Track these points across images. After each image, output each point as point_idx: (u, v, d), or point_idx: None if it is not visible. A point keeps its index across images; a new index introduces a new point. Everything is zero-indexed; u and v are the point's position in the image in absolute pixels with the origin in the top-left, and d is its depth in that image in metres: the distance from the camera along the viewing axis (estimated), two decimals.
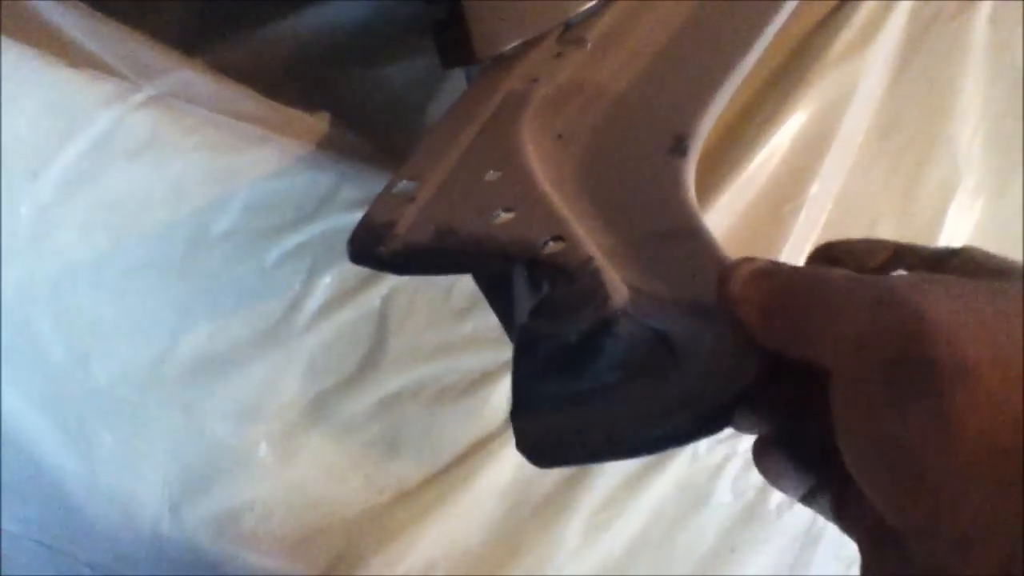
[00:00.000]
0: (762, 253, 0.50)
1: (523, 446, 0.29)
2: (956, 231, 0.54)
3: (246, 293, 0.53)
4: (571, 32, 0.50)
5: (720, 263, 0.32)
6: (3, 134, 0.55)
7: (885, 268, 0.29)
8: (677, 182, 0.38)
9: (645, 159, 0.41)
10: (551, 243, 0.33)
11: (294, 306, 0.53)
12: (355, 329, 0.52)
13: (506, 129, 0.43)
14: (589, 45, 0.48)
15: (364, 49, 0.59)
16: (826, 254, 0.30)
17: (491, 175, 0.39)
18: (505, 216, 0.35)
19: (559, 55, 0.48)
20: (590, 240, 0.34)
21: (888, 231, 0.53)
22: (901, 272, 0.29)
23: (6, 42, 0.56)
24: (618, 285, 0.30)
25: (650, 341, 0.29)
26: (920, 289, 0.22)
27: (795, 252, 0.52)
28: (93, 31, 0.56)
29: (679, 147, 0.41)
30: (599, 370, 0.29)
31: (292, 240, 0.53)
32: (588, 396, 0.29)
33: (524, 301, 0.34)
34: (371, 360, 0.53)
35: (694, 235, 0.35)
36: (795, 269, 0.26)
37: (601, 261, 0.31)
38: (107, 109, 0.53)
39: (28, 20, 0.57)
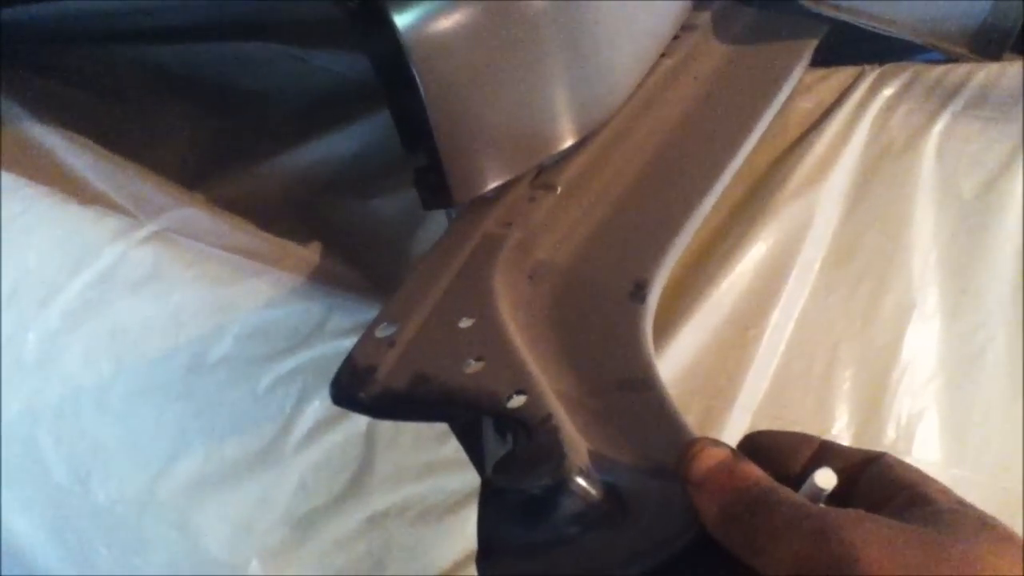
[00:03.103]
0: (728, 375, 0.54)
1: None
2: (914, 353, 0.56)
3: (240, 416, 0.56)
4: (543, 176, 0.53)
5: (670, 419, 0.35)
6: (14, 266, 0.59)
7: (809, 465, 0.31)
8: (635, 330, 0.42)
9: (607, 304, 0.44)
10: (515, 396, 0.36)
11: (285, 429, 0.56)
12: (343, 451, 0.55)
13: (481, 273, 0.46)
14: (559, 190, 0.52)
15: (355, 182, 0.63)
16: (755, 444, 0.33)
17: (465, 322, 0.42)
18: (475, 366, 0.38)
19: (532, 199, 0.52)
20: (552, 390, 0.37)
21: (849, 353, 0.56)
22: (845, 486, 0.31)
23: (19, 180, 0.60)
24: (575, 442, 0.33)
25: (603, 496, 0.32)
26: (858, 528, 0.25)
27: (759, 375, 0.55)
28: (100, 169, 0.60)
29: (639, 293, 0.45)
30: (558, 522, 0.32)
31: (284, 366, 0.56)
32: (549, 545, 0.32)
33: (492, 447, 0.37)
34: (358, 480, 0.55)
35: (648, 387, 0.38)
36: (754, 478, 0.29)
37: (560, 417, 0.34)
38: (112, 244, 0.57)
39: (40, 159, 0.62)
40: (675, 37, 0.65)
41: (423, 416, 0.39)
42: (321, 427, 0.56)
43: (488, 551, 0.32)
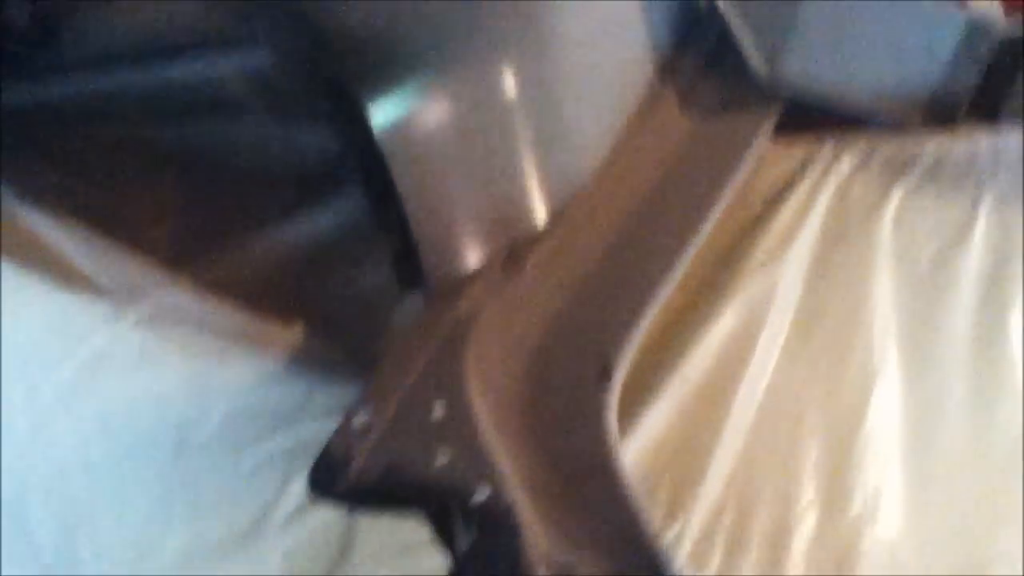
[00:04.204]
0: (697, 450, 0.56)
1: None
2: (878, 420, 0.58)
3: (225, 496, 0.58)
4: (514, 256, 0.55)
5: (628, 507, 0.37)
6: (6, 349, 0.61)
7: None
8: (600, 415, 0.44)
9: (574, 386, 0.46)
10: (480, 489, 0.38)
11: (269, 509, 0.57)
12: (325, 531, 0.56)
13: (454, 356, 0.48)
14: (529, 269, 0.54)
15: (338, 258, 0.65)
16: None
17: (437, 409, 0.44)
18: (444, 457, 0.41)
19: (504, 279, 0.54)
20: (518, 475, 0.39)
21: (814, 424, 0.57)
22: None
23: (11, 266, 0.62)
24: (534, 536, 0.35)
25: None
26: None
27: (728, 448, 0.56)
28: (91, 254, 0.62)
29: (604, 376, 0.47)
30: None
31: (268, 448, 0.57)
32: None
33: (461, 535, 0.39)
34: (340, 560, 0.57)
35: (609, 473, 0.40)
36: None
37: (521, 509, 0.36)
38: (101, 329, 0.59)
39: (32, 244, 0.64)
40: (639, 113, 0.68)
41: (396, 507, 0.41)
42: (304, 508, 0.57)
43: None
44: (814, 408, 0.58)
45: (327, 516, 0.56)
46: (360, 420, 0.44)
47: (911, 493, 0.57)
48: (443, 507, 0.39)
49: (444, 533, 0.41)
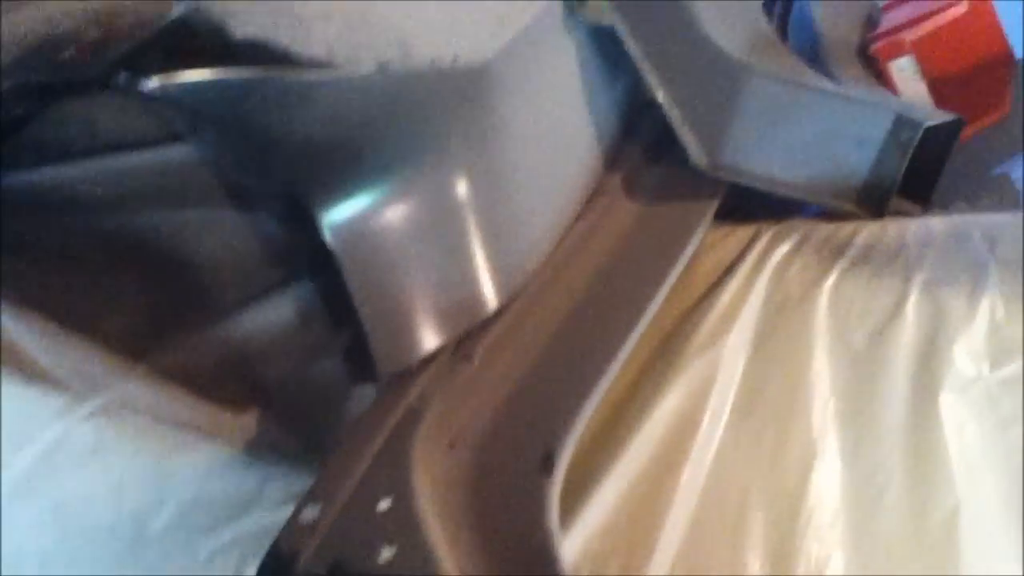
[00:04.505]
0: (645, 529, 0.57)
1: None
2: (819, 497, 0.60)
3: None
4: (463, 347, 0.58)
5: None
6: None
7: None
8: (541, 506, 0.45)
9: (517, 476, 0.48)
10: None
11: None
12: None
13: (401, 449, 0.50)
14: (477, 360, 0.56)
15: (292, 347, 0.66)
16: None
17: (383, 503, 0.46)
18: (388, 553, 0.42)
19: (452, 370, 0.56)
20: (461, 569, 0.41)
21: (758, 500, 0.59)
22: None
23: None
24: None
25: None
26: None
27: (674, 527, 0.57)
28: (46, 346, 0.63)
29: (547, 464, 0.48)
30: None
31: (223, 536, 0.58)
32: None
33: None
34: None
35: (548, 564, 0.41)
36: None
37: None
38: (56, 422, 0.60)
39: None
40: (588, 201, 0.70)
41: None
42: None
43: None
44: (758, 485, 0.60)
45: None
46: (308, 515, 0.46)
47: (852, 568, 0.58)
48: None
49: None
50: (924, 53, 0.84)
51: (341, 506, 0.46)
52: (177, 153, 0.69)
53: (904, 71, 0.84)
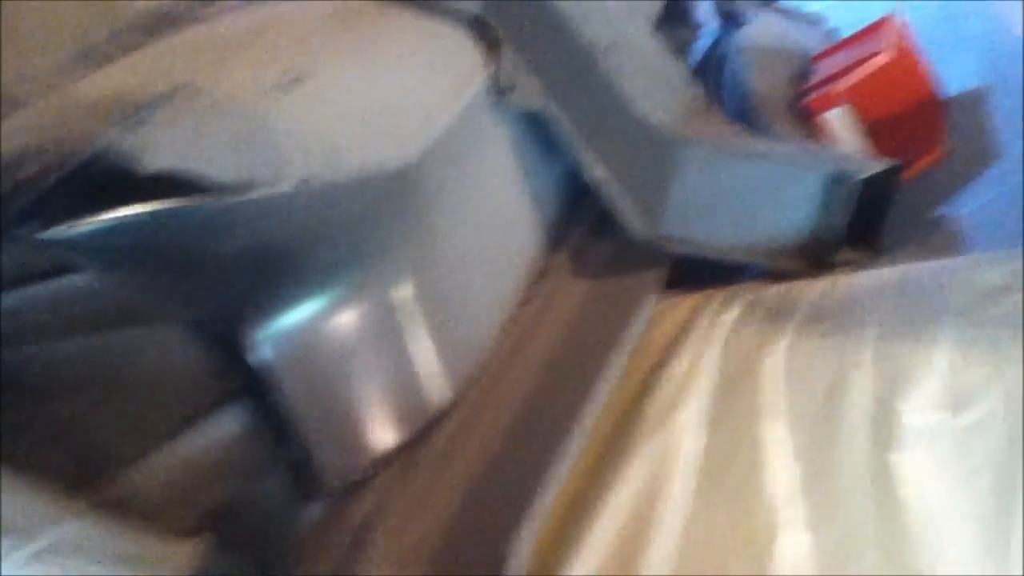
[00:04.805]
0: None
1: None
2: (789, 567, 0.58)
3: None
4: (412, 452, 0.56)
5: None
6: None
7: None
8: None
9: None
10: None
11: None
12: None
13: (354, 566, 0.48)
14: (427, 465, 0.55)
15: (238, 466, 0.64)
16: None
17: None
18: None
19: (402, 478, 0.54)
20: None
21: (728, 571, 0.57)
22: None
23: None
24: None
25: None
26: None
27: None
28: None
29: (499, 570, 0.47)
30: None
31: None
32: None
33: None
34: None
35: None
36: None
37: None
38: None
39: None
40: (535, 283, 0.69)
41: None
42: None
43: None
44: (725, 559, 0.58)
45: None
46: None
47: None
48: None
49: None
50: (857, 102, 0.84)
51: None
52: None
53: (840, 121, 0.84)
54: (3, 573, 0.58)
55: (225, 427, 0.65)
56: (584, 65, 0.67)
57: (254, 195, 0.45)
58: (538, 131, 0.69)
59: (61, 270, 0.55)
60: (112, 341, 0.69)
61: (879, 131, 0.86)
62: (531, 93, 0.64)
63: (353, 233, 0.51)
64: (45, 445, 0.64)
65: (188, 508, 0.61)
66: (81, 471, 0.63)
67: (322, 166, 0.49)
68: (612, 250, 0.73)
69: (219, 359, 0.65)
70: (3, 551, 0.58)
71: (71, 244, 0.44)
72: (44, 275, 0.55)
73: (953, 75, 0.88)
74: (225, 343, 0.48)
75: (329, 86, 0.51)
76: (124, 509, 0.60)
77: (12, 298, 0.59)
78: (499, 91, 0.64)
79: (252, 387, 0.50)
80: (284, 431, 0.51)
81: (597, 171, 0.68)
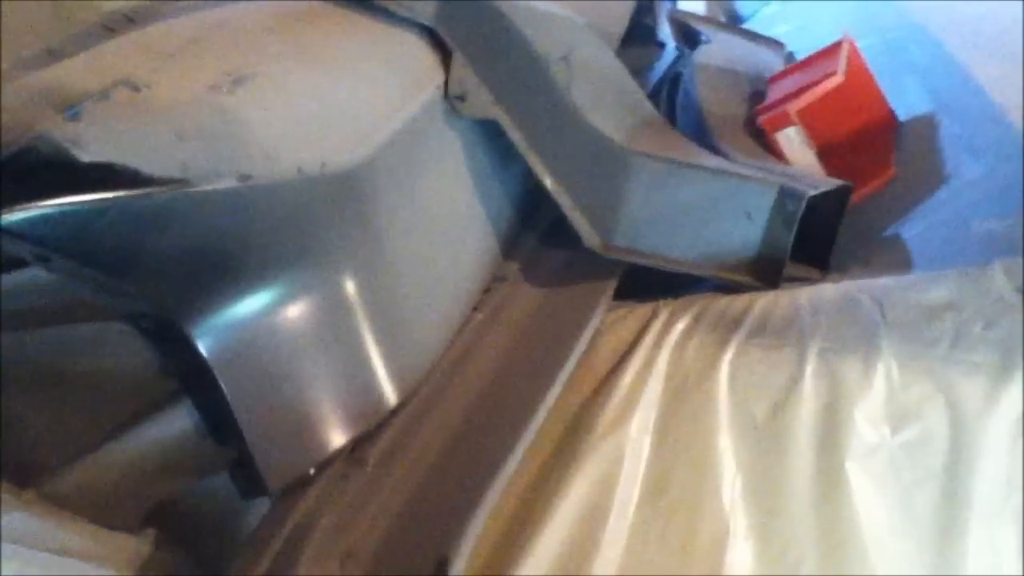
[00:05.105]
0: None
1: None
2: (734, 570, 0.59)
3: None
4: (357, 451, 0.56)
5: None
6: None
7: None
8: None
9: None
10: None
11: None
12: None
13: (290, 567, 0.48)
14: (371, 465, 0.55)
15: (186, 463, 0.64)
16: None
17: None
18: None
19: (344, 477, 0.54)
20: None
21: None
22: None
23: None
24: None
25: None
26: None
27: None
28: None
29: (440, 571, 0.47)
30: None
31: None
32: None
33: None
34: None
35: None
36: None
37: None
38: None
39: None
40: (487, 290, 0.70)
41: None
42: None
43: None
44: (671, 571, 0.59)
45: None
46: None
47: None
48: None
49: None
50: (809, 122, 0.86)
51: None
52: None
53: (792, 141, 0.86)
54: None
55: (171, 425, 0.65)
56: (536, 76, 0.68)
57: (191, 190, 0.45)
58: (492, 139, 0.70)
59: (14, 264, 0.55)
60: (60, 338, 0.69)
61: (830, 152, 0.87)
62: (482, 102, 0.65)
63: (294, 232, 0.51)
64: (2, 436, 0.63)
65: (133, 504, 0.61)
66: (26, 466, 0.63)
67: (262, 165, 0.49)
68: (564, 259, 0.74)
69: (165, 357, 0.66)
70: None
71: (9, 231, 0.44)
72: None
73: (899, 103, 0.90)
74: (169, 340, 0.48)
75: (272, 88, 0.51)
76: (69, 504, 0.60)
77: None
78: (450, 99, 0.65)
79: (196, 384, 0.50)
80: (226, 429, 0.51)
81: (548, 180, 0.69)
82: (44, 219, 0.43)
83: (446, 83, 0.64)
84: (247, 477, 0.53)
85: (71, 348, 0.70)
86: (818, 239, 0.77)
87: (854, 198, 0.81)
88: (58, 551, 0.58)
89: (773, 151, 0.87)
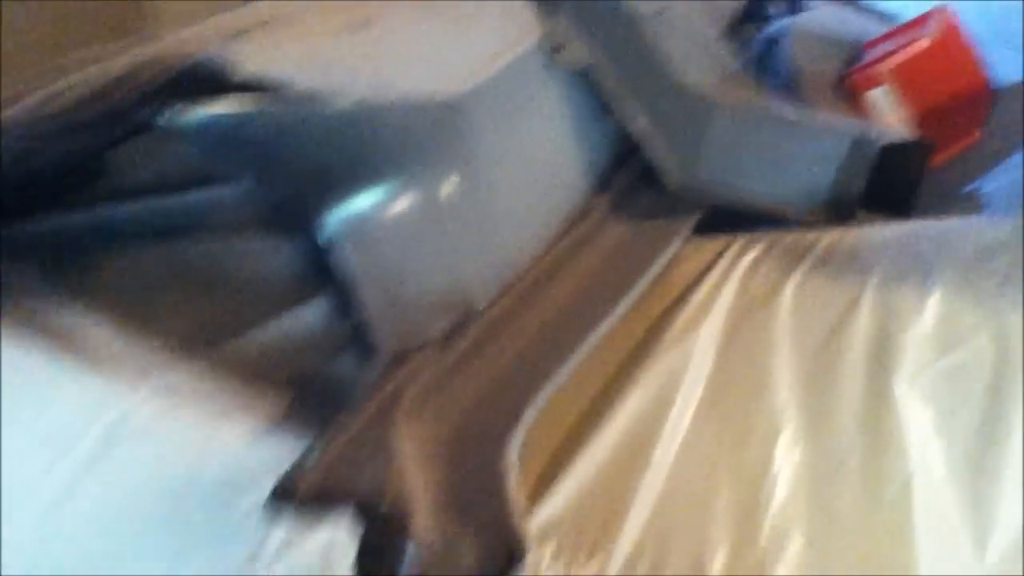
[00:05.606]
0: (622, 492, 0.64)
1: None
2: (782, 471, 0.65)
3: (224, 537, 0.67)
4: (452, 335, 0.66)
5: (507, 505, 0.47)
6: (40, 422, 0.72)
7: None
8: (501, 444, 0.55)
9: (486, 432, 0.57)
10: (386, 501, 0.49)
11: (258, 548, 0.65)
12: (307, 558, 0.63)
13: (388, 412, 0.59)
14: (462, 349, 0.65)
15: (320, 346, 0.76)
16: None
17: (368, 450, 0.55)
18: (365, 484, 0.51)
19: (440, 353, 0.65)
20: (423, 495, 0.50)
21: (726, 471, 0.64)
22: None
23: (51, 350, 0.74)
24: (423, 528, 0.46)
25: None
26: None
27: (648, 490, 0.64)
28: (112, 340, 0.74)
29: (513, 423, 0.57)
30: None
31: (257, 495, 0.66)
32: None
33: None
34: None
35: (497, 484, 0.50)
36: None
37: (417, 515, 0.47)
38: (122, 400, 0.71)
39: (68, 338, 0.76)
40: (574, 222, 0.79)
41: (330, 516, 0.51)
42: (286, 546, 0.66)
43: None
44: (724, 464, 0.65)
45: (304, 552, 0.65)
46: (311, 458, 0.55)
47: (811, 536, 0.62)
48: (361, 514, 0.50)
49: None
50: (899, 83, 0.91)
51: (335, 455, 0.55)
52: (222, 192, 0.82)
53: (881, 101, 0.91)
54: (122, 409, 0.72)
55: (308, 318, 0.77)
56: (630, 29, 0.77)
57: (324, 106, 0.57)
58: (586, 88, 0.79)
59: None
60: (223, 246, 0.83)
61: (921, 114, 0.92)
62: (577, 53, 0.75)
63: (407, 145, 0.63)
64: (161, 318, 0.77)
65: (275, 378, 0.73)
66: (188, 342, 0.76)
67: (383, 90, 0.61)
68: (649, 199, 0.82)
69: (308, 264, 0.78)
70: (124, 391, 0.72)
71: (183, 132, 0.57)
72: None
73: (997, 72, 0.93)
74: (306, 235, 0.60)
75: (390, 32, 0.63)
76: (224, 372, 0.73)
77: (172, 200, 0.73)
78: (550, 49, 0.74)
79: (326, 270, 0.62)
80: (350, 304, 0.62)
81: (638, 124, 0.77)
82: (208, 123, 0.57)
83: (545, 35, 0.74)
84: (363, 350, 0.64)
85: (227, 255, 0.83)
86: (898, 194, 0.83)
87: (937, 160, 0.86)
88: (212, 402, 0.71)
89: (862, 112, 0.92)
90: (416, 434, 0.57)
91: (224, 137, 0.59)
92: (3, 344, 0.74)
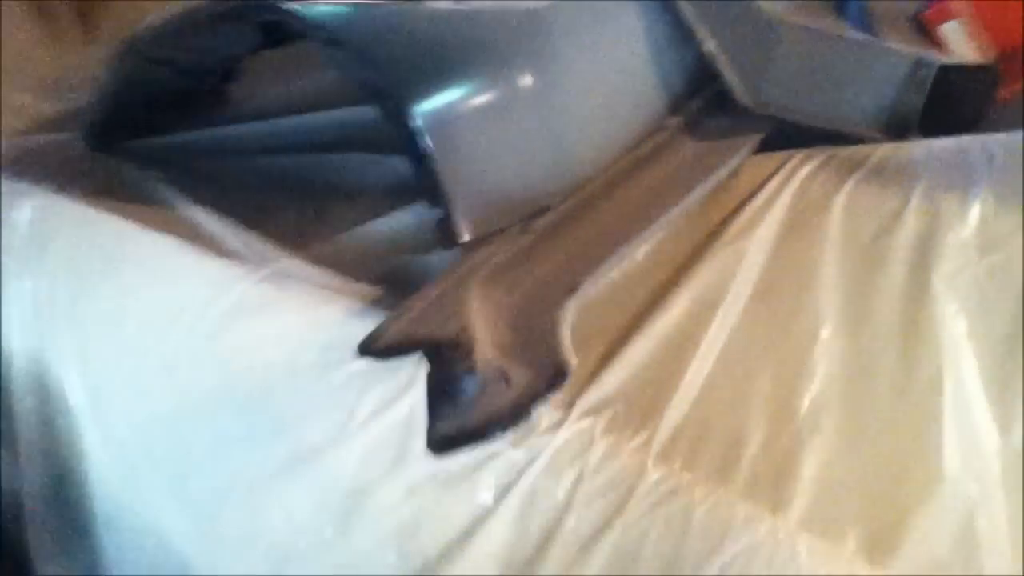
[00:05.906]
0: (660, 390, 0.70)
1: (431, 446, 0.53)
2: (822, 359, 0.70)
3: (321, 405, 0.77)
4: (526, 224, 0.74)
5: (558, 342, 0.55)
6: (172, 299, 0.84)
7: None
8: (557, 305, 0.63)
9: (546, 300, 0.65)
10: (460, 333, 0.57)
11: (351, 415, 0.74)
12: (391, 432, 0.71)
13: (464, 285, 0.68)
14: (535, 235, 0.73)
15: (414, 244, 0.85)
16: None
17: (447, 308, 0.64)
18: (441, 331, 0.60)
19: (515, 239, 0.73)
20: (487, 339, 0.59)
21: (768, 359, 0.69)
22: None
23: (180, 242, 0.86)
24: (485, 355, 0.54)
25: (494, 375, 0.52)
26: None
27: (695, 374, 0.69)
28: (231, 233, 0.85)
29: (570, 292, 0.65)
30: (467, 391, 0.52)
31: (352, 368, 0.75)
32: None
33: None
34: (401, 456, 0.71)
35: (551, 326, 0.59)
36: None
37: (481, 347, 0.55)
38: (239, 283, 0.81)
39: (195, 229, 0.88)
40: (647, 134, 0.86)
41: (409, 354, 0.60)
42: (375, 414, 0.75)
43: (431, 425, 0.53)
44: (767, 352, 0.70)
45: (392, 420, 0.71)
46: (395, 315, 0.64)
47: (844, 424, 0.66)
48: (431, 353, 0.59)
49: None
50: (976, 17, 0.93)
51: (418, 312, 0.64)
52: (340, 114, 0.93)
53: (954, 34, 0.94)
54: (240, 291, 0.82)
55: (406, 219, 0.87)
56: None
57: (421, 5, 0.66)
58: (665, 13, 0.86)
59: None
60: (333, 160, 0.94)
61: (993, 48, 0.94)
62: None
63: (492, 44, 0.71)
64: (273, 216, 0.88)
65: (372, 266, 0.83)
66: (299, 237, 0.87)
67: None
68: (719, 121, 0.89)
69: (405, 177, 0.87)
70: (241, 275, 0.83)
71: (306, 22, 0.67)
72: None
73: None
74: (399, 128, 0.69)
75: None
76: (328, 262, 0.82)
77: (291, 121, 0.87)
78: None
79: (414, 160, 0.70)
80: (435, 194, 0.71)
81: (709, 44, 0.84)
82: (330, 14, 0.66)
83: None
84: (445, 232, 0.72)
85: (332, 170, 0.94)
86: (964, 124, 0.86)
87: (1005, 93, 0.89)
88: (316, 285, 0.80)
89: (935, 46, 0.95)
90: (488, 298, 0.65)
91: (338, 29, 0.68)
92: (137, 231, 0.86)
